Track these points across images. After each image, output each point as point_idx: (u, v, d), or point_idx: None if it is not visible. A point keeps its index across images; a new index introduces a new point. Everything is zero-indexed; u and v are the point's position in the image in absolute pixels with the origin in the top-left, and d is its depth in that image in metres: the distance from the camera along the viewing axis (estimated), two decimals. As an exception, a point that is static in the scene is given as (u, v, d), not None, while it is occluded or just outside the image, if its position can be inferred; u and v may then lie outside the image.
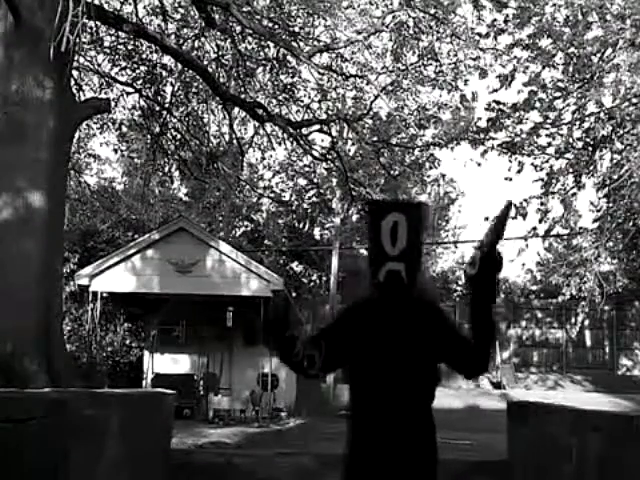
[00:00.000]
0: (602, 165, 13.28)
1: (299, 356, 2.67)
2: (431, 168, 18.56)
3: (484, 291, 2.58)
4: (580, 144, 13.11)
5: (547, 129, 12.93)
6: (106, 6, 12.86)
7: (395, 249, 2.64)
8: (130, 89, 14.53)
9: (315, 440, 11.45)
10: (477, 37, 13.30)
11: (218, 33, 13.71)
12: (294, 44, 13.36)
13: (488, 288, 2.58)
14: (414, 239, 2.68)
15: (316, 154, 15.58)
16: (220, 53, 14.51)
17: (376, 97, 14.91)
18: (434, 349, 2.65)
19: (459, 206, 33.43)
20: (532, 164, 13.25)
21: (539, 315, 26.28)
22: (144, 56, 14.17)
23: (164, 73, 14.64)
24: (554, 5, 12.10)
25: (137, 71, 14.36)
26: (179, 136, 15.55)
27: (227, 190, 21.51)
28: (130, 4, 13.47)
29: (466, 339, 2.66)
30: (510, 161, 13.32)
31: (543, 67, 12.35)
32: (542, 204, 13.40)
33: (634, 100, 11.58)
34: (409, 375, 2.62)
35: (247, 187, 24.34)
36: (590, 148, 12.92)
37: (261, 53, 14.75)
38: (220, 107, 15.42)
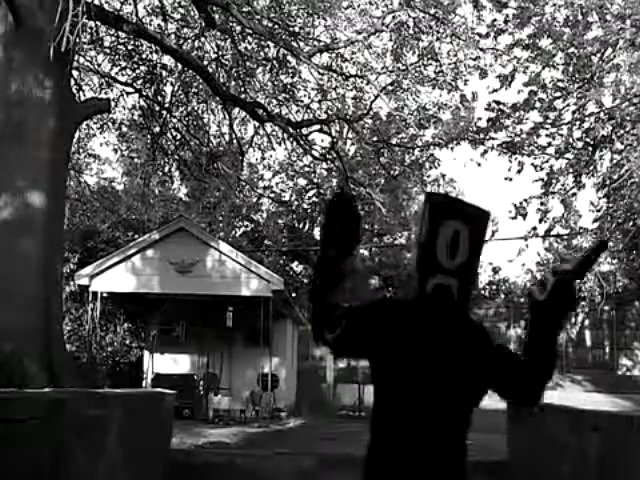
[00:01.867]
0: (602, 165, 13.28)
1: (334, 301, 2.31)
2: (431, 168, 18.60)
3: (551, 321, 2.30)
4: (580, 144, 13.11)
5: (547, 129, 12.92)
6: (106, 6, 12.87)
7: (452, 263, 2.31)
8: (130, 89, 14.53)
9: (315, 440, 11.46)
10: (477, 37, 13.32)
11: (218, 33, 13.72)
12: (294, 44, 13.37)
13: (556, 319, 2.30)
14: (474, 255, 2.36)
15: (316, 154, 15.58)
16: (220, 53, 14.51)
17: (376, 97, 14.92)
18: (479, 372, 2.34)
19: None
20: (532, 164, 13.24)
21: (539, 315, 26.25)
22: (144, 56, 14.18)
23: (164, 73, 14.65)
24: (554, 5, 12.10)
25: (137, 71, 14.37)
26: (179, 136, 15.56)
27: (227, 190, 21.50)
28: (130, 4, 13.48)
29: (519, 358, 2.41)
30: (510, 161, 13.32)
31: (543, 67, 12.36)
32: (542, 204, 13.40)
33: (634, 100, 11.58)
34: (449, 396, 2.30)
35: (247, 187, 24.33)
36: (590, 148, 12.92)
37: (261, 53, 14.76)
38: (220, 107, 15.43)
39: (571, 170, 13.17)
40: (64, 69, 8.86)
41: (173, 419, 6.43)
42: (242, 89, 15.10)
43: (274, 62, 14.31)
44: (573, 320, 25.12)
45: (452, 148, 15.16)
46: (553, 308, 2.26)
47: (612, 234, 13.78)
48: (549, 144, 13.06)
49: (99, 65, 14.56)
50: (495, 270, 29.18)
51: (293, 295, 21.35)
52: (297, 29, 14.28)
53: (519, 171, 13.30)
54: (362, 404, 18.16)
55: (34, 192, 8.26)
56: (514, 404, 2.59)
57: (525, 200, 13.28)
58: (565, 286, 2.25)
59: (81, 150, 19.32)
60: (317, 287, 2.35)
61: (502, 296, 27.42)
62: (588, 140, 12.87)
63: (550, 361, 2.37)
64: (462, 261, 2.31)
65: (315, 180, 28.22)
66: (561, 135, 12.94)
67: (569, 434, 4.53)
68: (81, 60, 13.44)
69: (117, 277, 15.16)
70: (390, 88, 15.11)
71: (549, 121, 12.78)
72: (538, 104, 12.55)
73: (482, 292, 27.80)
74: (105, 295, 15.48)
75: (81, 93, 13.44)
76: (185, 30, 14.48)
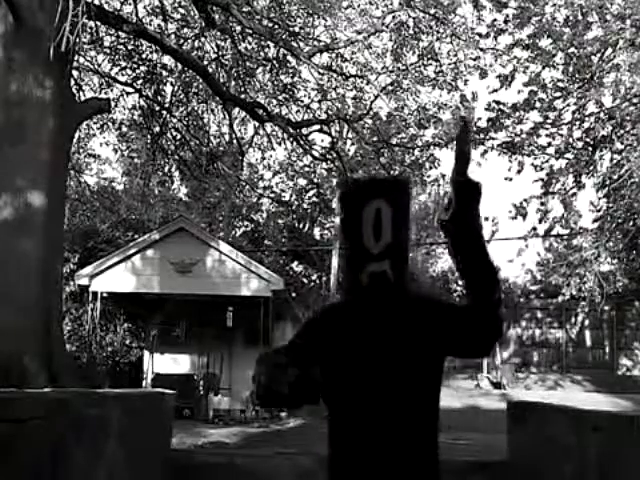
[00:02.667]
0: (602, 165, 13.30)
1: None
2: (431, 168, 18.55)
3: (468, 228, 2.11)
4: (580, 144, 13.12)
5: (547, 129, 12.94)
6: (106, 6, 12.86)
7: (378, 245, 2.12)
8: (130, 89, 14.53)
9: (315, 440, 11.45)
10: (477, 37, 13.32)
11: (218, 33, 13.71)
12: (294, 44, 13.36)
13: (472, 223, 2.11)
14: (400, 228, 2.17)
15: (316, 154, 15.58)
16: (220, 53, 14.51)
17: (376, 97, 14.92)
18: (435, 346, 2.16)
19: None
20: (532, 164, 13.26)
21: (539, 315, 26.27)
22: (144, 56, 14.18)
23: (164, 73, 14.65)
24: (554, 5, 12.11)
25: (137, 71, 14.36)
26: (179, 136, 15.56)
27: (227, 190, 21.51)
28: (130, 4, 13.48)
29: (465, 307, 2.19)
30: (510, 161, 13.34)
31: (543, 67, 12.37)
32: (542, 204, 13.42)
33: (634, 100, 11.59)
34: (405, 393, 2.12)
35: (247, 187, 24.34)
36: (590, 148, 12.93)
37: (261, 53, 14.75)
38: (220, 107, 15.42)
39: (571, 170, 13.18)
40: (64, 69, 8.86)
41: (173, 419, 6.42)
42: (242, 89, 15.10)
43: (274, 62, 14.31)
44: (573, 320, 25.13)
45: (452, 148, 15.16)
46: (463, 212, 2.10)
47: (612, 234, 13.79)
48: (549, 144, 13.08)
49: (99, 65, 14.57)
50: (495, 270, 29.14)
51: (293, 295, 21.35)
52: (297, 29, 14.28)
53: (519, 171, 13.31)
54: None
55: (34, 192, 8.26)
56: (481, 354, 2.34)
57: (525, 200, 13.29)
58: (461, 182, 2.11)
59: (81, 150, 19.32)
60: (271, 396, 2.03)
61: (502, 296, 27.35)
62: (588, 140, 12.88)
63: (489, 284, 2.14)
64: (389, 240, 2.13)
65: (315, 180, 28.22)
66: (561, 135, 12.96)
67: (569, 434, 4.53)
68: (81, 60, 13.43)
69: (117, 277, 15.16)
70: (390, 88, 15.11)
71: (549, 121, 12.80)
72: (538, 104, 12.57)
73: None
74: (105, 295, 15.48)
75: (81, 93, 13.44)
76: (185, 30, 14.48)
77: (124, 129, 16.73)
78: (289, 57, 14.06)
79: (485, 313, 2.14)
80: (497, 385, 22.08)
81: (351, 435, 2.14)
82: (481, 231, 2.15)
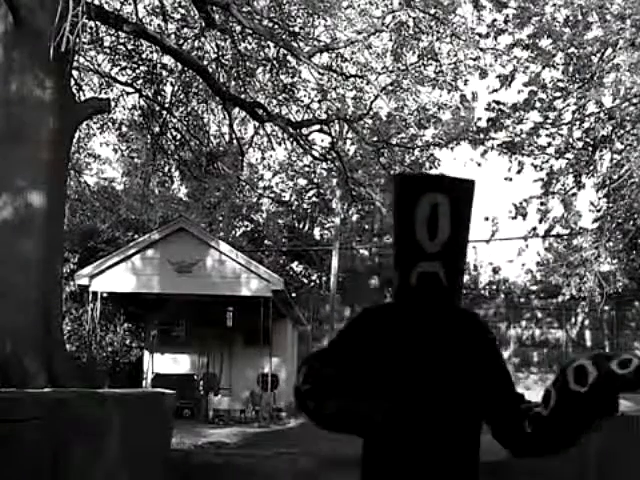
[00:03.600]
0: (602, 165, 13.29)
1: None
2: (431, 168, 18.59)
3: (580, 417, 1.86)
4: (580, 144, 13.12)
5: (547, 129, 12.93)
6: (106, 6, 12.86)
7: (434, 243, 1.96)
8: (130, 89, 14.53)
9: (315, 440, 11.45)
10: (477, 37, 13.31)
11: (218, 33, 13.71)
12: (294, 44, 13.36)
13: (588, 417, 1.86)
14: (459, 229, 2.00)
15: (316, 154, 15.58)
16: (220, 53, 14.50)
17: (376, 97, 14.92)
18: (480, 380, 2.00)
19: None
20: (532, 164, 13.25)
21: (539, 315, 26.28)
22: (144, 56, 14.17)
23: (164, 73, 14.64)
24: (554, 5, 12.10)
25: (137, 71, 14.36)
26: (179, 136, 15.55)
27: (227, 190, 21.51)
28: (130, 4, 13.47)
29: (516, 396, 2.02)
30: (510, 161, 13.33)
31: (543, 67, 12.36)
32: (542, 204, 13.40)
33: (634, 100, 11.58)
34: (451, 403, 1.97)
35: (247, 187, 24.34)
36: (590, 148, 12.92)
37: (261, 53, 14.75)
38: (220, 107, 15.42)
39: (571, 170, 13.18)
40: (64, 69, 8.85)
41: (173, 419, 6.42)
42: (242, 89, 15.09)
43: (274, 62, 14.31)
44: (573, 320, 25.13)
45: (452, 148, 15.18)
46: (589, 404, 1.83)
47: (612, 234, 13.78)
48: (549, 144, 13.07)
49: (99, 65, 14.56)
50: (495, 270, 29.17)
51: (293, 295, 21.35)
52: (297, 29, 14.28)
53: (519, 171, 13.30)
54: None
55: (34, 192, 8.26)
56: (503, 444, 2.05)
57: (525, 200, 13.28)
58: (610, 388, 1.81)
59: (81, 150, 19.31)
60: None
61: (502, 296, 27.40)
62: (588, 140, 12.88)
63: (559, 444, 1.94)
64: (445, 238, 1.96)
65: (315, 180, 28.22)
66: (561, 135, 12.96)
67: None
68: (81, 60, 13.42)
69: (117, 277, 15.15)
70: (390, 88, 15.11)
71: (549, 121, 12.79)
72: (538, 104, 12.56)
73: (482, 292, 27.80)
74: (105, 295, 15.48)
75: (81, 93, 13.43)
76: (185, 30, 14.47)
77: (124, 129, 16.72)
78: (289, 57, 14.05)
79: (530, 445, 1.98)
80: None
81: (393, 444, 1.97)
82: (591, 428, 1.90)
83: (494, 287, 29.04)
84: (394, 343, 2.01)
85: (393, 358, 2.00)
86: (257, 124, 15.36)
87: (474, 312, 2.22)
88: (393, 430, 1.95)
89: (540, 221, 13.69)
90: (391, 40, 14.64)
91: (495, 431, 2.03)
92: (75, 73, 12.58)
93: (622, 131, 12.42)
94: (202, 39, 14.34)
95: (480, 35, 13.20)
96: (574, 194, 13.42)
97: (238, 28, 13.59)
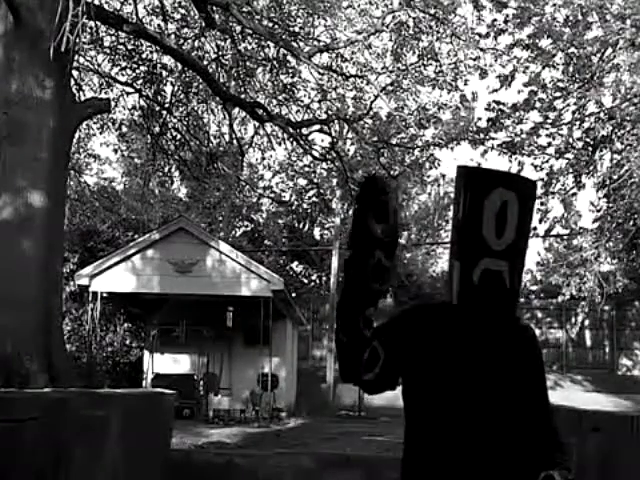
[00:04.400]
0: (602, 165, 13.30)
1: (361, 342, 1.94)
2: (431, 168, 18.57)
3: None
4: (580, 144, 13.13)
5: (547, 129, 12.94)
6: (106, 6, 12.87)
7: (501, 241, 1.86)
8: (130, 89, 14.54)
9: (315, 440, 11.46)
10: (477, 37, 13.32)
11: (218, 33, 13.72)
12: (294, 44, 13.37)
13: None
14: (524, 230, 1.91)
15: (316, 154, 15.59)
16: (220, 53, 14.51)
17: (376, 97, 14.92)
18: (522, 394, 1.94)
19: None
20: (532, 164, 13.27)
21: (539, 315, 26.27)
22: (144, 56, 14.18)
23: (164, 73, 14.64)
24: (554, 5, 12.11)
25: (137, 71, 14.37)
26: (179, 136, 15.55)
27: (227, 190, 21.51)
28: (130, 4, 13.48)
29: (535, 418, 1.97)
30: (510, 161, 13.35)
31: (543, 67, 12.37)
32: (542, 204, 13.41)
33: (634, 100, 11.58)
34: (501, 422, 1.88)
35: (247, 187, 24.34)
36: (590, 148, 12.93)
37: (261, 53, 14.75)
38: (220, 107, 15.43)
39: (571, 170, 13.19)
40: (64, 69, 8.86)
41: (173, 419, 6.42)
42: (242, 89, 15.10)
43: (274, 62, 14.31)
44: (573, 320, 25.12)
45: (452, 148, 15.18)
46: None
47: (612, 234, 13.78)
48: (549, 144, 13.08)
49: (99, 65, 14.57)
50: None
51: (293, 295, 21.36)
52: (297, 29, 14.29)
53: (519, 171, 13.30)
54: (362, 404, 18.17)
55: (34, 192, 8.26)
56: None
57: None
58: None
59: (81, 150, 19.34)
60: (343, 325, 1.97)
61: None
62: (588, 140, 12.89)
63: None
64: (511, 239, 1.86)
65: (315, 180, 28.22)
66: (561, 135, 12.97)
67: (569, 434, 4.53)
68: (81, 60, 13.44)
69: (117, 277, 15.16)
70: (390, 88, 15.11)
71: (549, 121, 12.80)
72: (538, 104, 12.57)
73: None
74: (105, 295, 15.49)
75: (81, 93, 13.44)
76: (185, 30, 14.48)
77: (124, 129, 16.73)
78: (289, 57, 14.06)
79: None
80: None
81: (432, 448, 1.91)
82: None
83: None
84: (444, 349, 1.93)
85: (440, 364, 1.92)
86: (257, 124, 15.36)
87: (527, 325, 2.13)
88: (432, 439, 1.91)
89: (540, 221, 13.70)
90: (391, 40, 14.66)
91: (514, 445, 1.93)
92: (75, 73, 12.59)
93: (622, 131, 12.43)
94: (202, 39, 14.35)
95: (480, 35, 13.21)
96: (574, 194, 13.43)
97: (238, 28, 13.59)
